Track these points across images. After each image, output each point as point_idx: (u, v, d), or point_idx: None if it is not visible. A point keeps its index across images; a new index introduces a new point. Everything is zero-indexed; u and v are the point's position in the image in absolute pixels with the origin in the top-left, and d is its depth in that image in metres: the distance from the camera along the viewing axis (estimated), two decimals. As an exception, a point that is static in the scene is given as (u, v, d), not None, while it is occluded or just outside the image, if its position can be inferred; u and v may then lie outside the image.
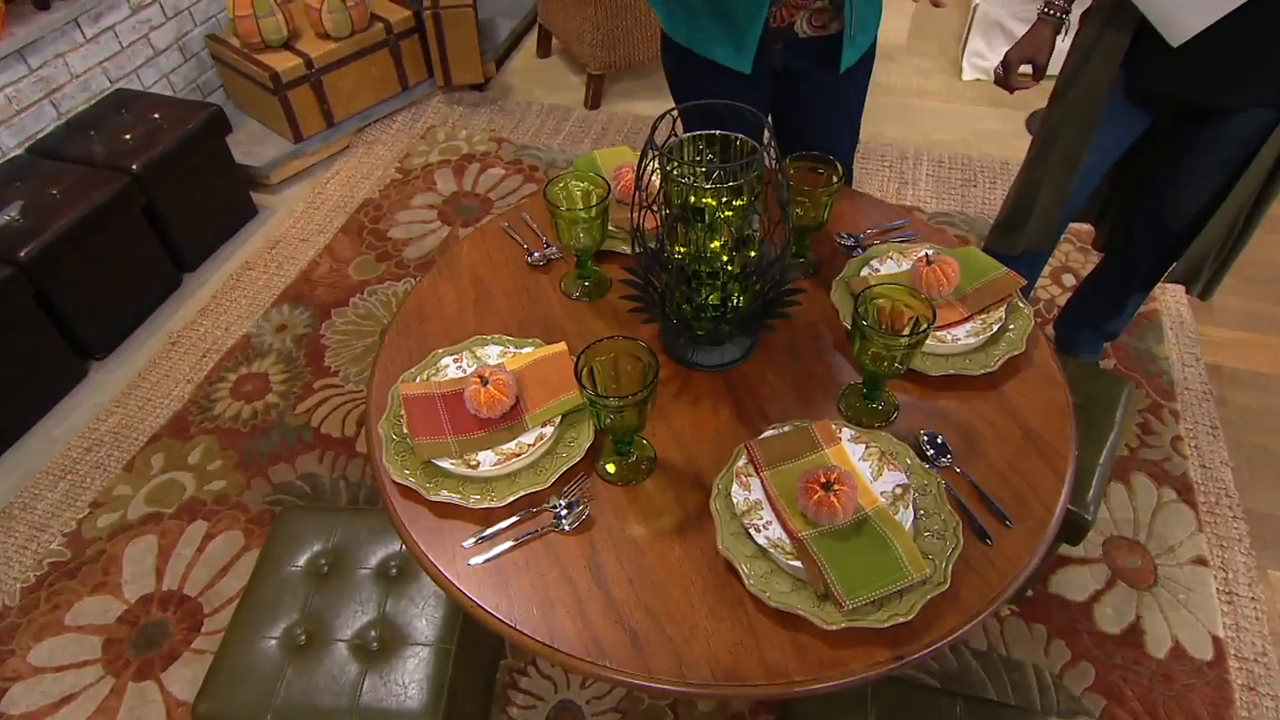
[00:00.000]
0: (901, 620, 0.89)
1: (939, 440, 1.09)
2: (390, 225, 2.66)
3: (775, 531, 0.96)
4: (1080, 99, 1.56)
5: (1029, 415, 1.12)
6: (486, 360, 1.17)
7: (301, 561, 1.38)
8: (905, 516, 0.97)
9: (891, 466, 1.02)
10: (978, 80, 3.19)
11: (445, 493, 1.03)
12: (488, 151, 2.94)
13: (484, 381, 1.07)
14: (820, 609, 0.91)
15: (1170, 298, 2.27)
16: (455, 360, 1.18)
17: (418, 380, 1.15)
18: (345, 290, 2.45)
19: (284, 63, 2.73)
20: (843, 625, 0.89)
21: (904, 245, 1.33)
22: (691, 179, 1.03)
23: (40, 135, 2.44)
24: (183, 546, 1.84)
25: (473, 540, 1.00)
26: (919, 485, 1.01)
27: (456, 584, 0.96)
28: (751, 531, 0.96)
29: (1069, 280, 2.36)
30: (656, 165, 1.00)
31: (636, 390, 0.94)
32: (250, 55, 2.76)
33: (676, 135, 1.05)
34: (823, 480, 0.95)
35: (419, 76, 3.14)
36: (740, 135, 1.04)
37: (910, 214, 1.45)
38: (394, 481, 1.05)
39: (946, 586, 0.91)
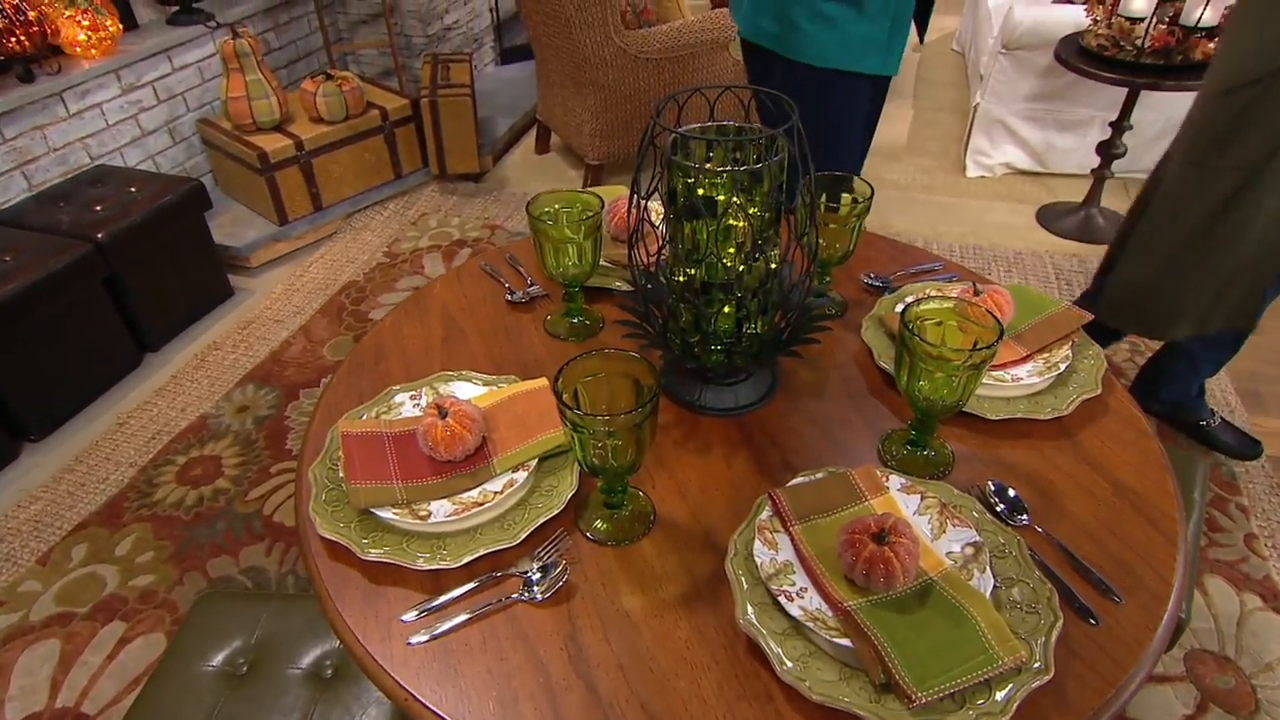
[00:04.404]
0: (993, 722, 0.64)
1: (1010, 494, 0.87)
2: (372, 307, 2.51)
3: (814, 600, 0.73)
4: None
5: (1117, 468, 0.91)
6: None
7: (217, 659, 1.12)
8: (982, 582, 0.74)
9: (956, 522, 0.79)
10: (982, 177, 3.13)
11: (387, 549, 0.80)
12: (480, 237, 2.83)
13: (442, 414, 0.86)
14: (881, 705, 0.66)
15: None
16: (413, 397, 0.97)
17: (364, 418, 0.94)
18: (317, 371, 2.26)
19: (273, 143, 2.66)
20: (914, 728, 0.64)
21: (942, 285, 1.15)
22: (700, 165, 0.86)
23: (6, 205, 2.32)
24: (90, 653, 1.55)
25: (415, 613, 0.76)
26: (995, 545, 0.79)
27: (388, 669, 0.72)
28: (782, 600, 0.72)
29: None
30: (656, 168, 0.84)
31: (632, 408, 0.73)
32: (240, 137, 2.70)
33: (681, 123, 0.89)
34: (874, 530, 0.73)
35: (414, 165, 3.08)
36: (758, 125, 0.89)
37: (942, 260, 1.28)
38: (320, 537, 0.82)
39: (1049, 676, 0.67)
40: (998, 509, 0.85)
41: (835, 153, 1.64)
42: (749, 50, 1.67)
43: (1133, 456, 0.92)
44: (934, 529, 0.80)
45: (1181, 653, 1.48)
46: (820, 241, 1.09)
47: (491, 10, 4.04)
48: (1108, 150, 2.71)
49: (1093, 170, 2.81)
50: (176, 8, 2.78)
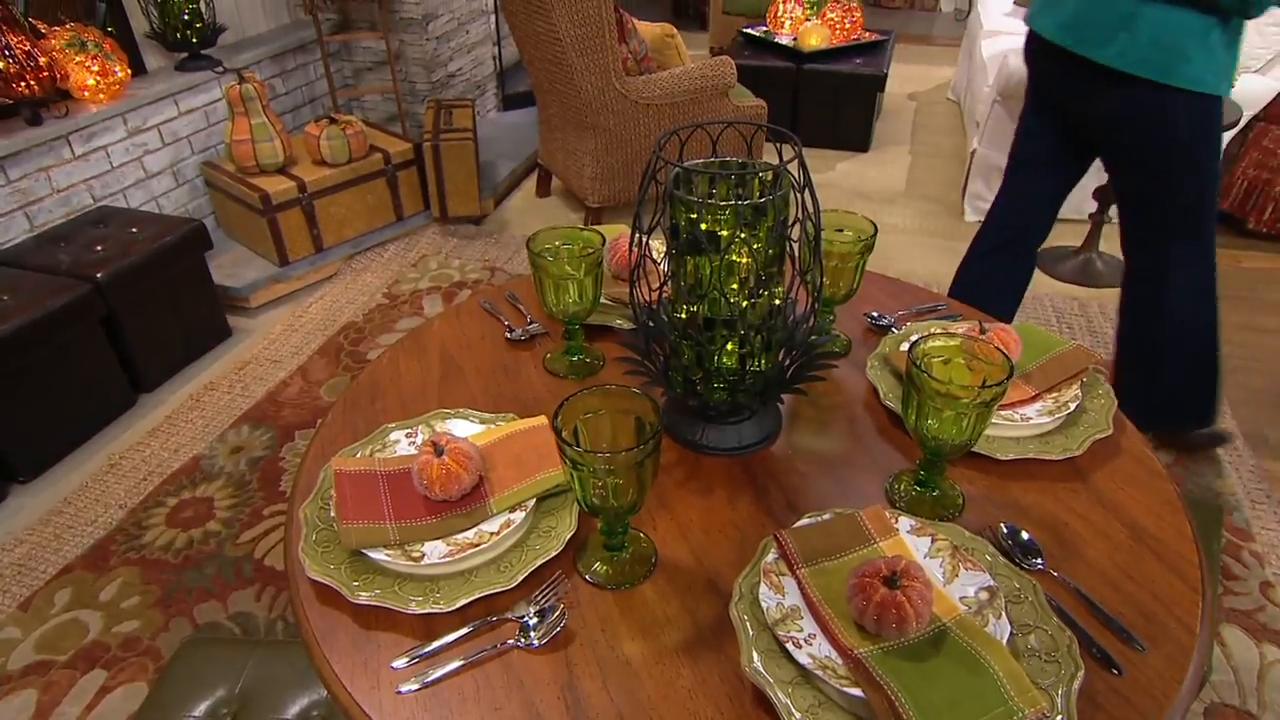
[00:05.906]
0: (1015, 779, 0.61)
1: (1023, 537, 0.84)
2: (370, 348, 2.49)
3: (823, 647, 0.70)
4: None
5: (1133, 510, 0.88)
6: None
7: (198, 710, 1.08)
8: (998, 629, 0.71)
9: (969, 565, 0.77)
10: (979, 221, 3.15)
11: (378, 592, 0.77)
12: (480, 279, 2.83)
13: (438, 451, 0.84)
14: (895, 760, 0.63)
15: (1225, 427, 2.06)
16: (408, 435, 0.95)
17: (359, 456, 0.92)
18: (313, 412, 2.23)
19: (276, 185, 2.67)
20: (931, 785, 0.61)
21: (946, 324, 1.14)
22: (704, 198, 0.85)
23: (6, 245, 2.31)
24: (69, 703, 1.49)
25: (406, 659, 0.73)
26: (1009, 590, 0.76)
27: (376, 719, 0.68)
28: (789, 647, 0.69)
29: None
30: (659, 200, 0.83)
31: (633, 446, 0.71)
32: (243, 179, 2.71)
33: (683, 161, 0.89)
34: (885, 573, 0.70)
35: (415, 208, 3.09)
36: (765, 163, 0.88)
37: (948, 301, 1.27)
38: (310, 579, 0.79)
39: (1072, 730, 0.64)
40: (1011, 552, 0.82)
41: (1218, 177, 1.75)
42: (1116, 79, 1.63)
43: (1148, 499, 0.89)
44: (946, 573, 0.77)
45: (1201, 707, 1.43)
46: (824, 279, 1.08)
47: (494, 59, 4.11)
48: (1104, 195, 2.73)
49: (1090, 215, 2.82)
50: (185, 54, 2.82)
